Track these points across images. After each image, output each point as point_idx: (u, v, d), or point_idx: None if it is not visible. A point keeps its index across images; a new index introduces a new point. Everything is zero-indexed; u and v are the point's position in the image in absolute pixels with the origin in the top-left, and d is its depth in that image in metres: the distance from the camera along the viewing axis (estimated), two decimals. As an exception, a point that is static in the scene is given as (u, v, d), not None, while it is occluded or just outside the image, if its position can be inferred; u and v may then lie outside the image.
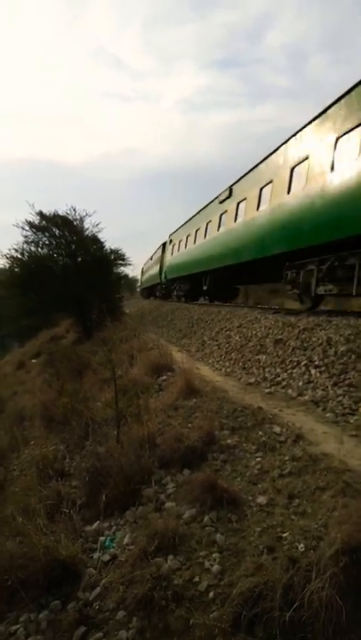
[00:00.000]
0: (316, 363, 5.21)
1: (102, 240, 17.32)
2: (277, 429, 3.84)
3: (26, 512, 3.45)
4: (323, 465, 3.08)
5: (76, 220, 16.09)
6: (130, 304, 27.71)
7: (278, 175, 9.56)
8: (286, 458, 3.34)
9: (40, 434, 5.90)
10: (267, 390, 5.15)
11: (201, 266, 15.84)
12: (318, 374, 4.96)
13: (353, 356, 4.90)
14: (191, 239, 18.27)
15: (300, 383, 4.99)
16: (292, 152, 9.05)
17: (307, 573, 2.07)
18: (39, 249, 15.57)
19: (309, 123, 8.27)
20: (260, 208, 10.49)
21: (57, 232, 15.88)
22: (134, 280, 51.49)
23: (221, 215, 13.88)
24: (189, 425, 4.33)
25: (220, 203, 14.09)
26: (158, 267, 27.69)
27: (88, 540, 3.26)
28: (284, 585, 2.07)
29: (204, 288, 16.13)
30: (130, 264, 18.67)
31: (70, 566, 2.87)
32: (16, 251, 14.81)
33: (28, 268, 14.74)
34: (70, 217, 16.03)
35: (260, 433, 3.87)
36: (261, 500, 2.95)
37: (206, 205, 16.44)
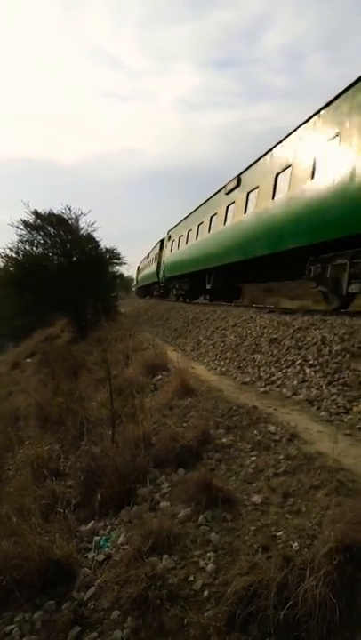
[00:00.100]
0: (311, 362, 5.22)
1: (98, 239, 17.33)
2: (272, 428, 3.85)
3: (20, 512, 3.45)
4: (317, 464, 3.10)
5: (71, 219, 16.09)
6: (125, 303, 27.67)
7: (299, 158, 8.32)
8: (281, 457, 3.35)
9: (35, 434, 5.88)
10: (262, 389, 5.16)
11: (204, 263, 14.71)
12: (313, 373, 4.97)
13: (347, 356, 4.92)
14: (193, 235, 16.97)
15: (295, 382, 5.00)
16: (319, 129, 7.73)
17: (301, 572, 2.08)
18: (34, 248, 15.56)
19: (342, 93, 7.13)
20: (276, 197, 9.33)
21: (52, 231, 15.85)
22: (130, 279, 51.28)
23: (228, 207, 12.68)
24: (184, 424, 4.33)
25: (227, 194, 12.85)
26: (156, 265, 26.42)
27: (83, 540, 3.26)
28: (279, 583, 2.08)
29: (208, 287, 15.03)
30: (125, 263, 18.68)
31: (65, 566, 2.87)
32: (11, 250, 14.79)
33: (22, 268, 14.70)
34: (65, 216, 16.03)
35: (255, 432, 3.88)
36: (256, 498, 2.96)
37: (210, 198, 15.18)
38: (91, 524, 3.43)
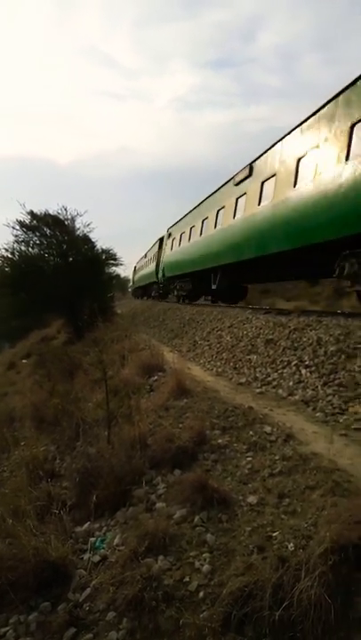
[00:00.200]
0: (307, 362, 5.23)
1: (94, 240, 17.31)
2: (268, 429, 3.86)
3: (16, 513, 3.43)
4: (313, 464, 3.11)
5: (67, 219, 16.09)
6: (121, 304, 27.65)
7: (332, 138, 7.19)
8: (277, 457, 3.35)
9: (30, 435, 5.86)
10: (258, 390, 5.17)
11: (210, 261, 13.45)
12: (308, 374, 4.99)
13: (343, 356, 4.94)
14: (196, 231, 15.59)
15: (291, 383, 5.01)
16: (355, 103, 6.66)
17: (296, 572, 2.08)
18: (30, 248, 15.54)
19: None
20: (300, 184, 8.07)
21: (48, 231, 15.83)
22: (126, 280, 51.11)
23: (238, 200, 11.42)
24: (180, 425, 4.33)
25: (236, 185, 11.57)
26: (154, 264, 24.96)
27: (78, 541, 3.25)
28: (274, 584, 2.08)
29: (213, 287, 13.68)
30: (121, 264, 18.66)
31: (60, 567, 2.86)
32: (6, 250, 14.76)
33: (18, 268, 14.67)
34: (61, 216, 16.02)
35: (251, 433, 3.89)
36: (252, 499, 2.96)
37: (215, 191, 13.85)
38: (86, 525, 3.42)
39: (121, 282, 45.00)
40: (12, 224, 14.98)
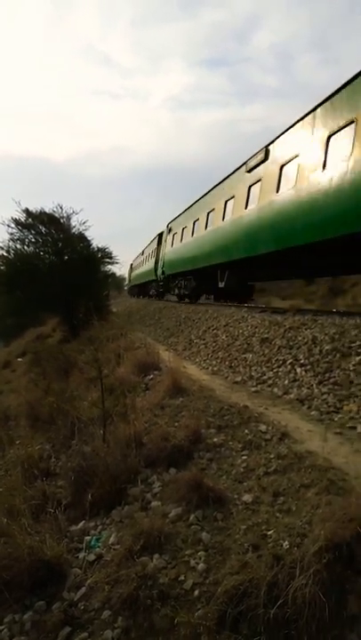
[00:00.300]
0: (302, 361, 5.25)
1: (89, 238, 17.26)
2: (263, 428, 3.87)
3: (10, 512, 3.41)
4: (307, 463, 3.12)
5: (62, 217, 16.03)
6: (117, 303, 27.61)
7: None
8: (272, 456, 3.36)
9: (25, 433, 5.84)
10: (253, 389, 5.18)
11: (217, 257, 12.26)
12: (304, 373, 5.00)
13: (338, 355, 4.95)
14: (200, 225, 14.38)
15: (286, 382, 5.02)
16: None
17: (291, 570, 2.09)
18: (25, 247, 15.48)
19: None
20: (330, 166, 6.93)
21: (43, 230, 15.77)
22: (122, 278, 50.90)
23: (250, 188, 10.20)
24: (176, 424, 4.34)
25: (249, 171, 10.33)
26: (153, 261, 23.82)
27: (73, 540, 3.25)
28: (269, 582, 2.09)
29: (221, 285, 12.45)
30: (117, 262, 18.62)
31: (55, 566, 2.86)
32: (2, 248, 14.71)
33: (13, 266, 14.62)
34: (57, 215, 15.96)
35: (246, 431, 3.90)
36: (247, 498, 2.97)
37: (223, 180, 12.55)
38: (81, 524, 3.42)
39: (117, 280, 44.70)
40: (7, 222, 14.94)
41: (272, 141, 9.35)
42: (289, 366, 5.33)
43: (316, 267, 9.29)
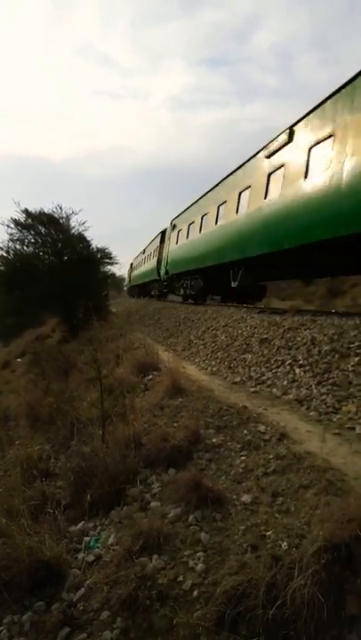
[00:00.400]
0: (301, 362, 5.25)
1: (89, 238, 17.26)
2: (262, 428, 3.87)
3: (10, 513, 3.42)
4: (306, 463, 3.12)
5: (62, 218, 16.03)
6: (116, 303, 27.60)
7: None
8: (271, 456, 3.36)
9: (25, 434, 5.86)
10: (252, 389, 5.18)
11: (229, 255, 11.22)
12: (303, 373, 5.00)
13: (337, 356, 4.96)
14: (210, 220, 13.19)
15: (285, 382, 5.03)
16: None
17: (290, 571, 2.10)
18: (25, 247, 15.48)
19: None
20: None
21: (43, 230, 15.78)
22: (121, 279, 50.72)
23: (271, 175, 9.12)
24: (175, 424, 4.34)
25: (269, 157, 9.24)
26: (155, 260, 22.61)
27: (73, 541, 3.25)
28: (268, 583, 2.09)
29: (233, 285, 11.29)
30: (117, 262, 18.61)
31: (54, 567, 2.86)
32: (1, 249, 14.71)
33: (13, 267, 14.62)
34: (56, 215, 15.96)
35: (245, 432, 3.90)
36: (246, 498, 2.97)
37: (237, 169, 11.41)
38: (80, 524, 3.42)
39: (116, 281, 44.49)
40: (6, 222, 14.95)
41: (299, 120, 8.11)
42: (288, 367, 5.34)
43: (348, 264, 7.95)
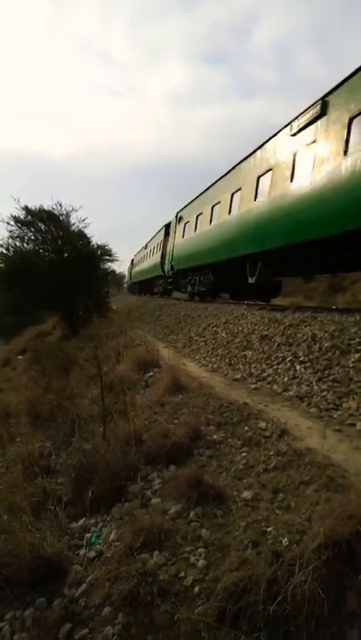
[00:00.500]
0: (302, 358, 5.25)
1: (89, 235, 17.23)
2: (263, 425, 3.87)
3: (11, 509, 3.44)
4: (307, 460, 3.12)
5: (62, 215, 15.99)
6: (117, 300, 27.59)
7: None
8: (271, 453, 3.37)
9: (26, 431, 5.86)
10: (253, 386, 5.19)
11: (246, 247, 10.09)
12: (303, 370, 5.00)
13: (337, 352, 4.95)
14: (222, 210, 12.04)
15: (286, 379, 5.03)
16: None
17: (290, 567, 2.10)
18: (25, 244, 15.44)
19: None
20: None
21: (43, 227, 15.75)
22: (121, 276, 50.55)
23: (297, 155, 8.10)
24: (176, 421, 4.34)
25: (296, 134, 8.17)
26: (159, 255, 21.49)
27: (74, 537, 3.27)
28: (268, 579, 2.10)
29: (251, 280, 10.19)
30: (117, 259, 18.57)
31: (56, 563, 2.88)
32: (1, 246, 14.69)
33: (13, 264, 14.59)
34: (56, 212, 15.92)
35: (246, 428, 3.90)
36: (246, 494, 2.98)
37: (255, 151, 10.25)
38: (82, 521, 3.43)
39: (116, 278, 44.27)
40: (6, 219, 14.93)
41: (332, 90, 7.13)
42: (288, 363, 5.34)
43: None
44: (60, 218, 15.98)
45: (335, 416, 3.91)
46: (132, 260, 38.71)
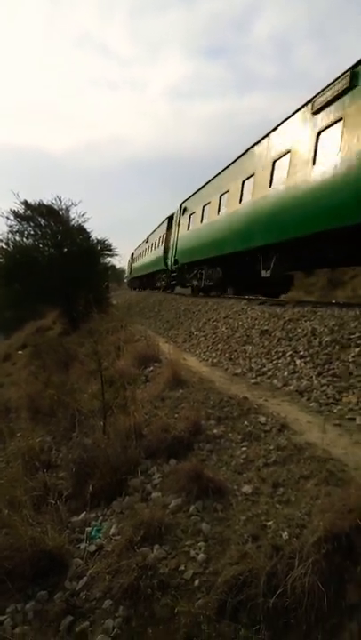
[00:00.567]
0: (301, 353, 5.25)
1: (89, 230, 17.18)
2: (263, 419, 3.88)
3: (12, 504, 3.44)
4: (307, 454, 3.13)
5: (61, 209, 15.93)
6: (117, 295, 27.55)
7: None
8: (271, 447, 3.38)
9: (26, 426, 5.87)
10: (253, 381, 5.19)
11: (260, 238, 9.25)
12: (303, 364, 5.01)
13: (337, 347, 4.95)
14: (232, 198, 11.20)
15: (286, 373, 5.03)
16: None
17: (290, 561, 2.11)
18: (24, 239, 15.41)
19: None
20: None
21: (42, 222, 15.70)
22: (121, 271, 50.34)
23: (322, 134, 7.24)
24: (176, 415, 4.35)
25: (318, 111, 7.32)
26: (162, 249, 20.56)
27: (75, 531, 3.28)
28: (268, 572, 2.11)
29: (265, 274, 9.33)
30: (117, 254, 18.53)
31: (57, 557, 2.89)
32: (0, 241, 14.65)
33: (12, 259, 14.56)
34: (56, 206, 15.86)
35: (246, 423, 3.91)
36: (246, 488, 2.99)
37: (269, 133, 9.35)
38: (82, 515, 3.45)
39: (116, 273, 44.02)
40: (6, 214, 14.88)
41: None
42: (288, 358, 5.34)
43: None
44: (60, 212, 15.94)
45: (335, 410, 3.91)
46: (133, 255, 37.91)
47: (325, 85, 7.09)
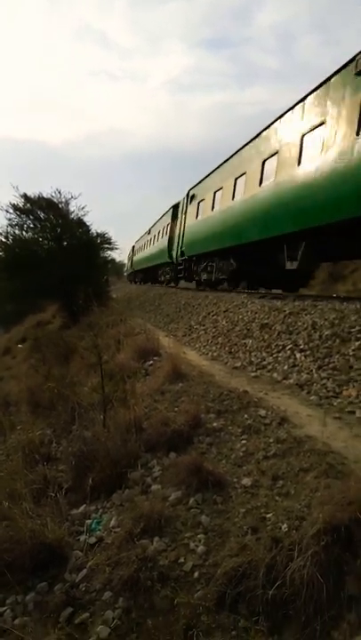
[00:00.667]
0: (302, 346, 5.24)
1: (88, 223, 17.14)
2: (263, 412, 3.88)
3: (12, 496, 3.45)
4: (307, 447, 3.13)
5: (61, 202, 15.90)
6: (117, 289, 27.52)
7: None
8: (271, 440, 3.37)
9: (26, 419, 5.88)
10: (253, 374, 5.19)
11: (285, 225, 8.16)
12: (303, 358, 5.00)
13: (337, 340, 4.94)
14: (250, 181, 9.85)
15: (286, 367, 5.03)
16: None
17: (289, 552, 2.12)
18: (24, 232, 15.38)
19: None
20: None
21: (42, 215, 15.66)
22: (121, 264, 50.11)
23: None
24: (176, 409, 4.35)
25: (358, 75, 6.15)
26: (166, 240, 19.21)
27: (75, 524, 3.29)
28: (267, 564, 2.11)
29: (291, 266, 8.23)
30: (117, 248, 18.49)
31: (57, 549, 2.90)
32: (0, 234, 14.62)
33: (12, 252, 14.54)
34: (55, 200, 15.82)
35: (246, 416, 3.91)
36: (246, 481, 2.99)
37: (295, 105, 8.13)
38: (82, 507, 3.46)
39: (116, 266, 43.85)
40: (5, 207, 14.84)
41: None
42: (288, 352, 5.33)
43: None
44: (59, 205, 15.91)
45: (335, 404, 3.91)
46: (133, 247, 36.52)
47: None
